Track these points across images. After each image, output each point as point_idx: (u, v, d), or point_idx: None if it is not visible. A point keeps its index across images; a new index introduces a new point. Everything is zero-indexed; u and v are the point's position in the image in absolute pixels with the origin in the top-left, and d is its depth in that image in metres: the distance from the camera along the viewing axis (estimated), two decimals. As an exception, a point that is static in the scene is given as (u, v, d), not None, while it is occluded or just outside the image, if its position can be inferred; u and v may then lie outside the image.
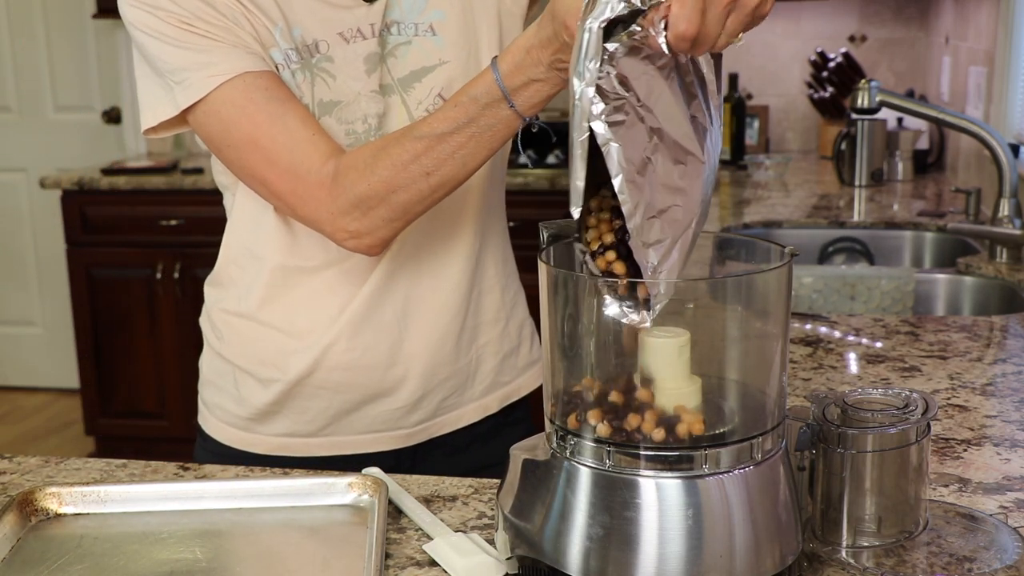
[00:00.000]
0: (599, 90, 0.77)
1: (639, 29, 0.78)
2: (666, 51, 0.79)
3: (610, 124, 0.77)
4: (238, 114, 1.14)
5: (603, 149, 0.78)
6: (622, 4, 0.78)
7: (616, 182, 0.78)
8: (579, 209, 0.80)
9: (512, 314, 1.38)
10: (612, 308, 0.81)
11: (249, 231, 1.27)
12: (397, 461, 1.31)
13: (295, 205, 1.16)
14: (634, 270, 0.83)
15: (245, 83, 1.14)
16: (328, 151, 1.14)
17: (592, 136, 0.78)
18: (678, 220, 0.82)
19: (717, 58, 0.84)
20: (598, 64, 0.77)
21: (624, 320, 0.81)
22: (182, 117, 1.17)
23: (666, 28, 0.78)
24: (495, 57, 1.02)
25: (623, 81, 0.78)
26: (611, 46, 0.78)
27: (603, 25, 0.77)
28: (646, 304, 0.81)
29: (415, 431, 1.32)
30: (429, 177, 1.09)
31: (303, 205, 1.16)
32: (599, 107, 0.77)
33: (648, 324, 0.81)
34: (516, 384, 1.40)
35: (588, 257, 0.85)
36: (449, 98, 1.08)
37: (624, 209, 0.79)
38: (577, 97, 0.78)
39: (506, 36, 1.26)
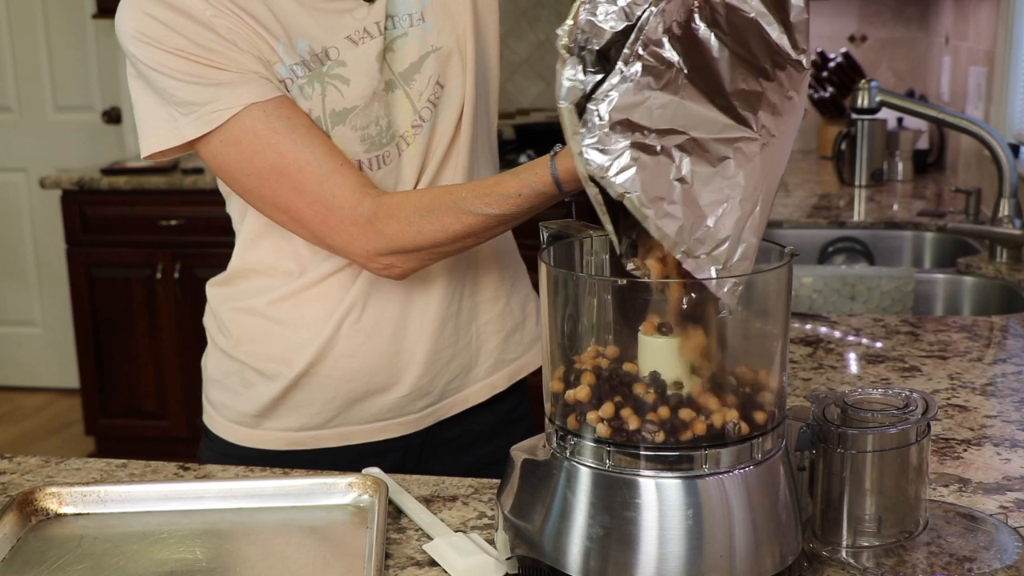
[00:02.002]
0: (597, 150, 0.78)
1: (623, 68, 0.78)
2: (672, 55, 0.78)
3: (618, 175, 0.78)
4: (261, 143, 1.14)
5: (623, 202, 0.78)
6: (579, 69, 0.79)
7: (648, 226, 0.78)
8: (623, 248, 0.84)
9: (513, 290, 1.38)
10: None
11: (265, 242, 1.27)
12: (403, 459, 1.32)
13: (324, 235, 1.17)
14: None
15: (265, 112, 1.14)
16: (358, 184, 1.16)
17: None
18: (736, 213, 0.81)
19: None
20: (584, 131, 0.78)
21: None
22: (189, 143, 1.17)
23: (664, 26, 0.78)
24: (554, 154, 1.04)
25: (622, 126, 0.78)
26: (595, 106, 0.78)
27: (573, 104, 0.79)
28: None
29: (423, 415, 1.32)
30: (476, 239, 1.14)
31: (334, 236, 1.16)
32: (600, 165, 0.78)
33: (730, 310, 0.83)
34: (523, 360, 1.40)
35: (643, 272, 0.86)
36: (506, 180, 1.09)
37: (666, 244, 0.79)
38: (582, 167, 0.79)
39: (481, 6, 1.26)
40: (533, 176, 1.06)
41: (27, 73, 4.37)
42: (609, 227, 0.83)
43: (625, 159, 0.78)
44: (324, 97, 1.17)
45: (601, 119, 0.78)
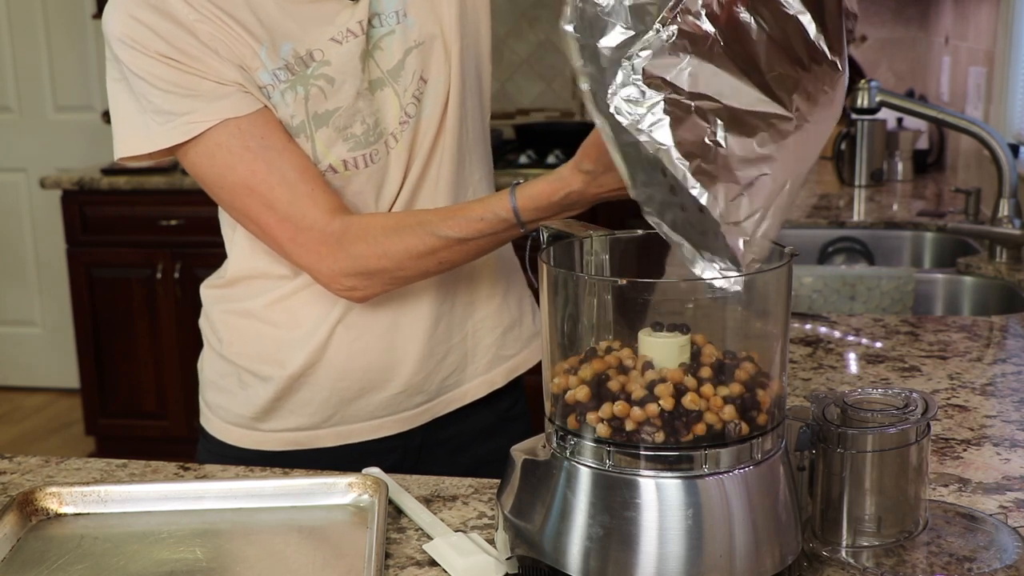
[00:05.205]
0: (631, 103, 0.77)
1: (659, 28, 0.77)
2: (708, 27, 0.77)
3: (652, 127, 0.77)
4: (234, 159, 1.15)
5: (657, 156, 0.77)
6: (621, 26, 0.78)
7: (684, 183, 0.77)
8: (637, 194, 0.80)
9: (509, 287, 1.38)
10: (708, 271, 0.80)
11: (260, 247, 1.27)
12: (401, 459, 1.32)
13: (292, 252, 1.19)
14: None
15: (240, 128, 1.15)
16: (328, 206, 1.17)
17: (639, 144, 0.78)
18: (768, 187, 0.81)
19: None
20: (618, 84, 0.77)
21: (721, 272, 0.80)
22: (162, 151, 1.17)
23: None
24: (516, 184, 1.07)
25: (656, 82, 0.77)
26: (629, 60, 0.77)
27: (573, 28, 0.78)
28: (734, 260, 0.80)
29: (419, 412, 1.32)
30: (440, 265, 1.16)
31: (302, 254, 1.18)
32: (634, 119, 0.77)
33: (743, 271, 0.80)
34: (522, 356, 1.40)
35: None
36: (471, 205, 1.12)
37: (703, 201, 0.78)
38: (591, 102, 0.78)
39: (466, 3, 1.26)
40: (496, 201, 1.09)
41: (27, 73, 4.37)
42: (621, 166, 0.79)
43: (659, 112, 0.77)
44: (307, 101, 1.18)
45: (635, 72, 0.77)
